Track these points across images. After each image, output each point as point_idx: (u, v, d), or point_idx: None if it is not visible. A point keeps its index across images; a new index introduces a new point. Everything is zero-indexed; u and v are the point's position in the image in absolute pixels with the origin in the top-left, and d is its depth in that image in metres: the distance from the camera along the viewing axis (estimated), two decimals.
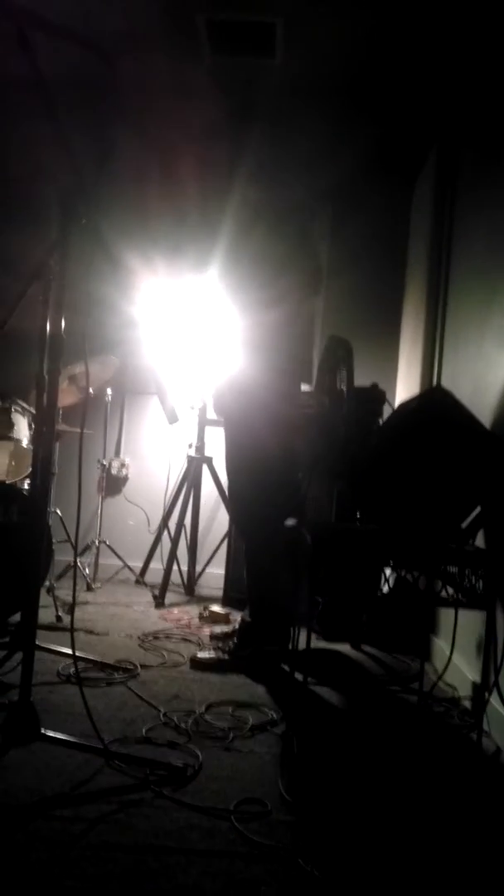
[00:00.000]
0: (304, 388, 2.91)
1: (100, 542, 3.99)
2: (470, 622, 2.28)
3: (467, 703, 2.34)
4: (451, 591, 2.02)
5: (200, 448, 3.90)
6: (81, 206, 1.80)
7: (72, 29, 1.79)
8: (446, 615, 2.71)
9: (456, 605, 2.01)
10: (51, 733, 1.70)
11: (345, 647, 3.06)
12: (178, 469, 3.97)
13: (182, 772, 1.73)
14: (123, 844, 1.42)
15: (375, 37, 3.33)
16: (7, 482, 3.20)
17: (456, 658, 2.38)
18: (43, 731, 1.68)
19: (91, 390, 3.57)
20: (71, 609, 2.02)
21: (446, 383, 3.04)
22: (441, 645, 2.79)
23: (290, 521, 2.34)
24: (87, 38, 1.78)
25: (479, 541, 2.18)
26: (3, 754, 1.63)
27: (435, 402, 2.14)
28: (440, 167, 3.43)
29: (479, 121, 2.94)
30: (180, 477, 3.89)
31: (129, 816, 1.53)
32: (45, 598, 2.92)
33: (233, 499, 2.90)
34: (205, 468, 3.90)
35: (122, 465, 4.30)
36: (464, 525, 2.09)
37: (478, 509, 2.08)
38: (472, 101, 3.06)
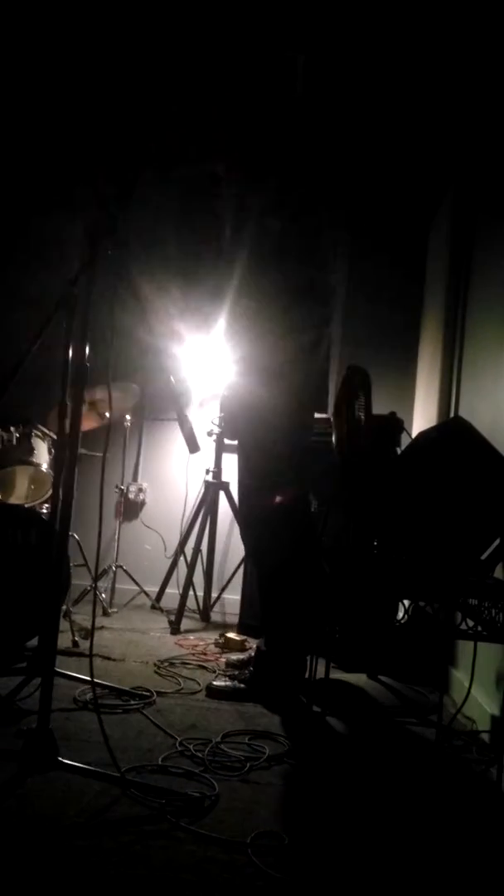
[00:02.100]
0: (320, 416, 2.93)
1: (117, 567, 4.00)
2: (490, 654, 2.26)
3: (486, 738, 2.31)
4: (470, 622, 2.01)
5: (217, 474, 3.91)
6: (108, 239, 1.85)
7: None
8: (465, 647, 2.68)
9: (475, 637, 1.99)
10: (68, 761, 1.70)
11: (361, 678, 3.03)
12: (195, 494, 3.99)
13: (199, 803, 1.72)
14: (141, 877, 1.41)
15: (393, 75, 3.39)
16: (26, 505, 3.23)
17: (475, 691, 2.35)
18: (60, 759, 1.68)
19: (108, 414, 3.60)
20: (90, 635, 2.02)
21: (464, 413, 3.04)
22: (459, 677, 2.76)
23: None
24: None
25: (499, 573, 2.17)
26: (22, 782, 1.63)
27: (454, 432, 2.14)
28: (457, 200, 3.47)
29: (498, 157, 2.97)
30: (197, 502, 3.90)
31: (146, 848, 1.52)
32: (61, 623, 2.92)
33: (245, 525, 2.89)
34: (222, 494, 3.91)
35: (140, 489, 4.32)
36: (483, 557, 2.08)
37: (497, 541, 2.07)
38: (492, 138, 3.10)
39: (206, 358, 3.85)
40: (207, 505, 3.89)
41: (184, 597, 3.69)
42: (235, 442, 2.90)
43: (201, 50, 3.35)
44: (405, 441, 2.83)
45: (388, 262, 4.17)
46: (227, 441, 3.81)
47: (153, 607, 3.96)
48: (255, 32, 3.20)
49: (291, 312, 2.68)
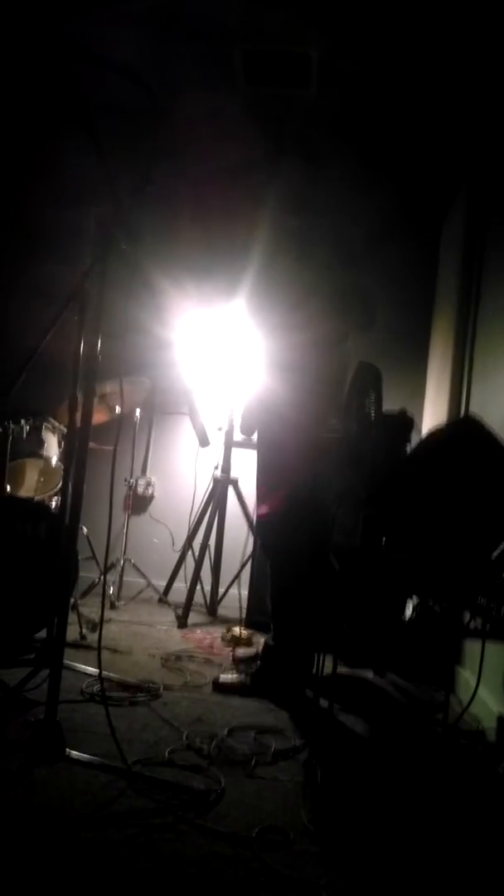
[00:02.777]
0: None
1: (125, 560, 4.01)
2: (496, 654, 2.25)
3: (492, 737, 2.30)
4: (478, 621, 2.00)
5: (226, 469, 3.91)
6: (120, 233, 1.84)
7: (113, 60, 1.85)
8: (471, 646, 2.67)
9: (483, 636, 1.98)
10: (75, 754, 1.71)
11: (368, 674, 3.03)
12: (204, 489, 3.99)
13: (205, 797, 1.72)
14: (146, 870, 1.42)
15: (407, 73, 3.37)
16: (35, 499, 3.24)
17: (481, 690, 2.34)
18: (67, 750, 1.69)
19: (119, 408, 3.60)
20: (98, 628, 2.03)
21: (476, 411, 3.03)
22: (466, 676, 2.75)
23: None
24: (128, 69, 1.83)
25: None
26: (29, 773, 1.64)
27: (466, 430, 2.13)
28: (471, 199, 3.44)
29: None
30: (205, 497, 3.90)
31: (152, 841, 1.52)
32: (69, 616, 2.93)
33: (260, 520, 2.89)
34: (230, 489, 3.91)
35: (149, 483, 4.32)
36: (493, 556, 2.07)
37: None
38: None
39: (220, 351, 3.84)
40: (216, 500, 3.89)
41: (191, 591, 3.69)
42: (251, 438, 2.89)
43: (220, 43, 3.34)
44: (415, 439, 2.82)
45: (400, 257, 4.14)
46: (236, 438, 3.81)
47: (160, 601, 3.96)
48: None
49: (306, 305, 2.67)
